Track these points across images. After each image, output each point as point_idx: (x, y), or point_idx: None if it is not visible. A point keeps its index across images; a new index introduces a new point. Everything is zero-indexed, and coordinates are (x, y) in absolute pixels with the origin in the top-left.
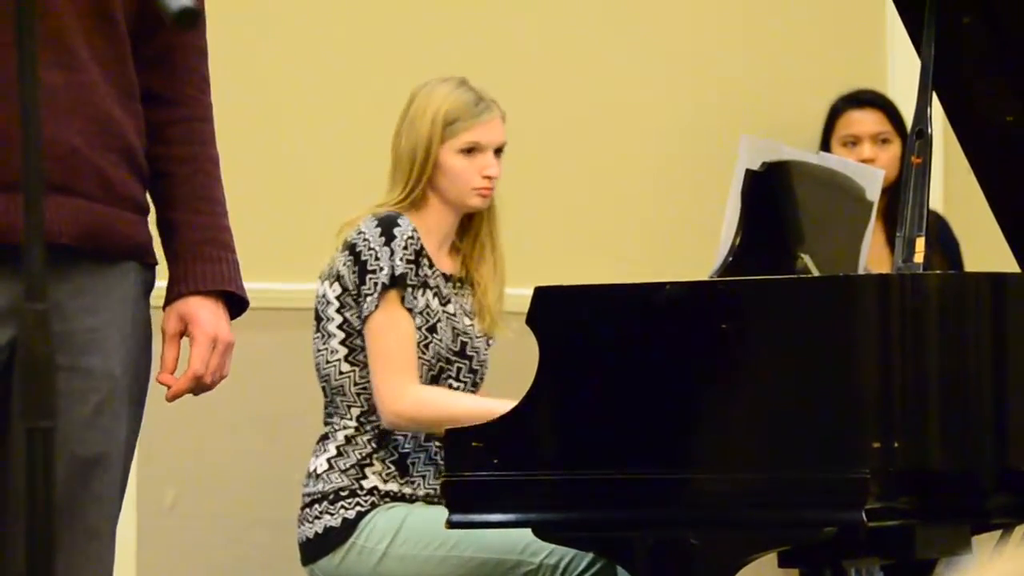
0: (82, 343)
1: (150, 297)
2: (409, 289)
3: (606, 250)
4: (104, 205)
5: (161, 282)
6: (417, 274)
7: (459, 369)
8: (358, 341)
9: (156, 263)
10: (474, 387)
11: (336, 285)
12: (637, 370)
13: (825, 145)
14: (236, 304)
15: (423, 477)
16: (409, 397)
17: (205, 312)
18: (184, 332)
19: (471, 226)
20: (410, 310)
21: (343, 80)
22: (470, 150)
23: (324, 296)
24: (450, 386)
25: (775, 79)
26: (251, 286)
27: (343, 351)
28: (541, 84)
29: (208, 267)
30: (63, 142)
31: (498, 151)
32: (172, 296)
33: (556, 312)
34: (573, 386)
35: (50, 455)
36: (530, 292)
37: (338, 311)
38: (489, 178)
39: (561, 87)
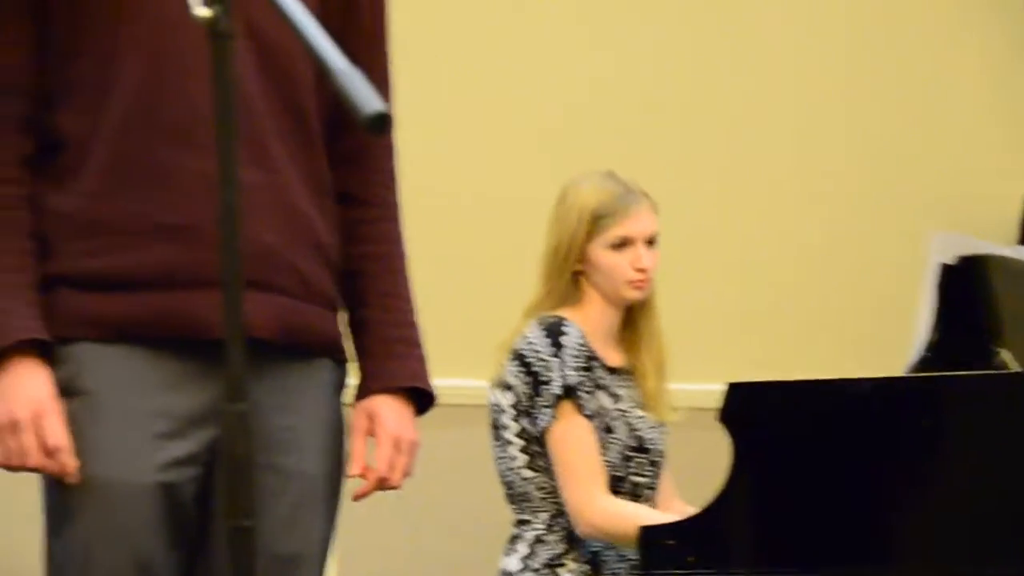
0: (279, 442)
1: (342, 395)
2: (583, 396)
3: (771, 341)
4: (299, 301)
5: (352, 379)
6: (589, 380)
7: (640, 464)
8: (537, 448)
9: (347, 360)
10: (655, 479)
11: (509, 394)
12: (835, 467)
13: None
14: (424, 399)
15: (615, 575)
16: (600, 509)
17: (391, 411)
18: (371, 430)
19: (631, 317)
20: (586, 416)
21: (503, 183)
22: (620, 244)
23: (498, 405)
24: (635, 483)
25: (964, 170)
26: (442, 382)
27: (524, 458)
28: (704, 173)
29: (395, 364)
30: (260, 240)
31: (651, 241)
32: (361, 393)
33: (750, 409)
34: (769, 483)
35: (251, 554)
36: (700, 387)
37: (514, 419)
38: (642, 270)
39: (725, 174)
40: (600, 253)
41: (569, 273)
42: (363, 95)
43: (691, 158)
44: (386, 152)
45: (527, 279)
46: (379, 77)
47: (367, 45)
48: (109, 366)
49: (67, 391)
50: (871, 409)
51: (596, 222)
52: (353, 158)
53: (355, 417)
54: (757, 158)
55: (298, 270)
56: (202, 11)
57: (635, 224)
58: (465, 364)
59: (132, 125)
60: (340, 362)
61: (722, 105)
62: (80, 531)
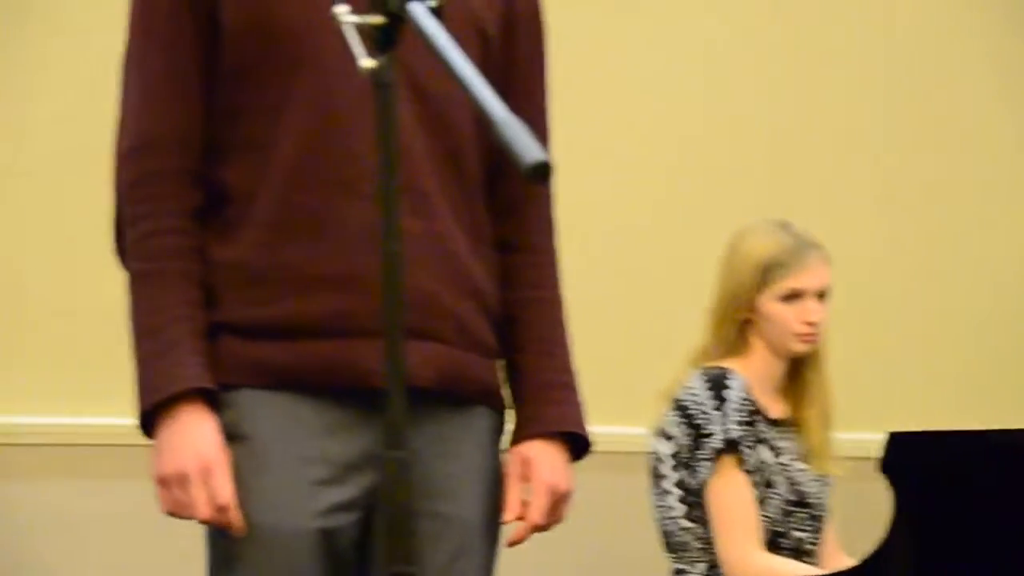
0: (439, 489)
1: (500, 442)
2: (745, 451)
3: (935, 389)
4: (459, 349)
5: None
6: (751, 434)
7: (801, 518)
8: (696, 499)
9: (505, 407)
10: (817, 532)
11: (670, 444)
12: (1000, 520)
13: None
14: (581, 444)
15: None
16: (754, 565)
17: (546, 457)
18: (525, 476)
19: (797, 368)
20: (747, 471)
21: (662, 229)
22: (791, 296)
23: (657, 453)
24: (797, 538)
25: None
26: (596, 429)
27: (682, 508)
28: (863, 219)
29: (551, 409)
30: (420, 288)
31: (822, 294)
32: (516, 438)
33: (914, 459)
34: (933, 537)
35: None
36: (863, 436)
37: (673, 469)
38: (812, 324)
39: (887, 220)
40: (770, 305)
41: (737, 322)
42: (524, 144)
43: (850, 203)
44: (544, 199)
45: (686, 325)
46: (539, 126)
47: (527, 95)
48: (270, 413)
49: (230, 436)
50: None
51: (767, 273)
52: (512, 206)
53: (510, 463)
54: (921, 201)
55: (457, 318)
56: (367, 62)
57: (807, 277)
58: (623, 410)
59: (297, 177)
60: (498, 409)
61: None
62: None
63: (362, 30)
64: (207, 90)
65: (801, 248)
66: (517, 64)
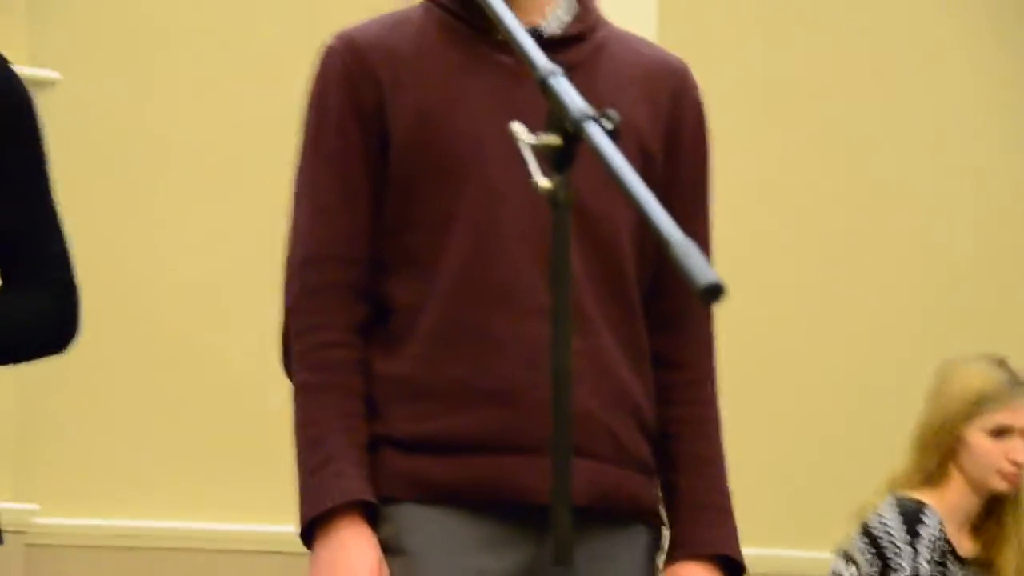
0: None
1: (654, 553)
2: None
3: None
4: (616, 467)
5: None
6: (940, 573)
7: None
8: None
9: (663, 524)
10: None
11: (852, 567)
12: None
13: None
14: (734, 567)
15: None
16: None
17: None
18: None
19: (994, 508)
20: None
21: (836, 349)
22: (999, 432)
23: (838, 574)
24: None
25: None
26: (751, 551)
27: None
28: None
29: (705, 531)
30: (580, 405)
31: None
32: (670, 558)
33: None
34: None
35: None
36: None
37: None
38: (1016, 463)
39: None
40: (977, 437)
41: (940, 451)
42: (698, 267)
43: None
44: (705, 318)
45: (849, 449)
46: (703, 240)
47: (689, 215)
48: (429, 527)
49: (390, 549)
50: None
51: (979, 405)
52: (670, 323)
53: None
54: None
55: (615, 435)
56: (543, 182)
57: (1019, 416)
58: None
59: (459, 293)
60: (655, 527)
61: None
62: None
63: (538, 150)
64: (375, 204)
65: (1017, 386)
66: (681, 182)
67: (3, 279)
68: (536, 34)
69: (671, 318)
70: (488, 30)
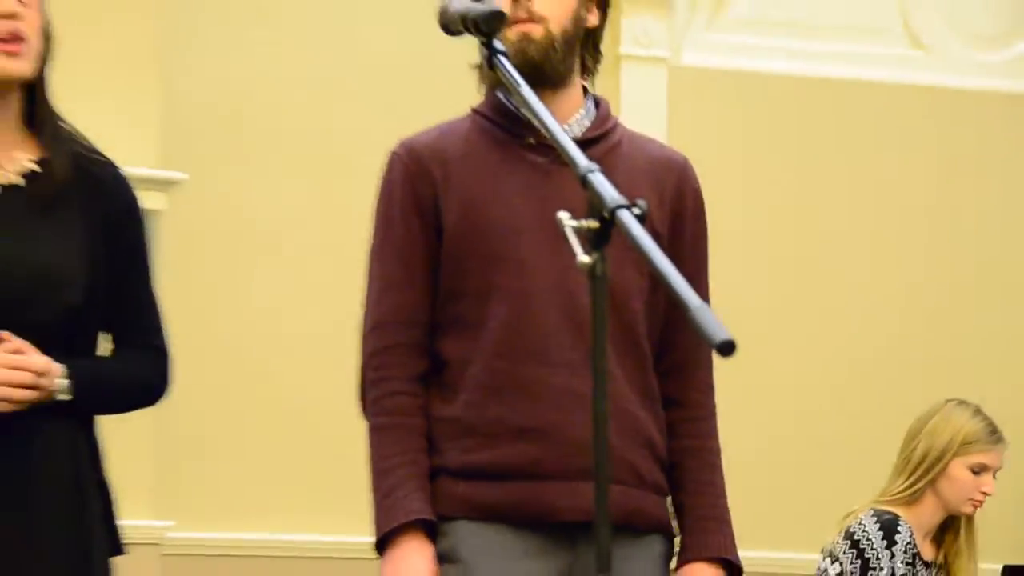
0: None
1: (669, 560)
2: None
3: None
4: (636, 490)
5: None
6: (911, 573)
7: None
8: None
9: (675, 535)
10: None
11: (836, 565)
12: None
13: None
14: (733, 569)
15: None
16: None
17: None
18: None
19: (954, 524)
20: None
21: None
22: (978, 469)
23: (825, 572)
24: None
25: None
26: (749, 554)
27: None
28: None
29: (709, 539)
30: (610, 443)
31: (996, 473)
32: (681, 561)
33: None
34: None
35: None
36: (984, 566)
37: None
38: (985, 495)
39: None
40: (960, 471)
41: (932, 480)
42: (714, 326)
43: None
44: (706, 365)
45: (832, 467)
46: (703, 293)
47: (695, 276)
48: (480, 540)
49: (447, 559)
50: None
51: (967, 445)
52: (677, 370)
53: None
54: None
55: (634, 465)
56: (584, 258)
57: (995, 458)
58: (776, 536)
59: (500, 349)
60: (669, 537)
61: None
62: None
63: (579, 232)
64: (433, 277)
65: (996, 434)
66: (685, 254)
67: (115, 344)
68: None
69: (678, 367)
70: (521, 135)
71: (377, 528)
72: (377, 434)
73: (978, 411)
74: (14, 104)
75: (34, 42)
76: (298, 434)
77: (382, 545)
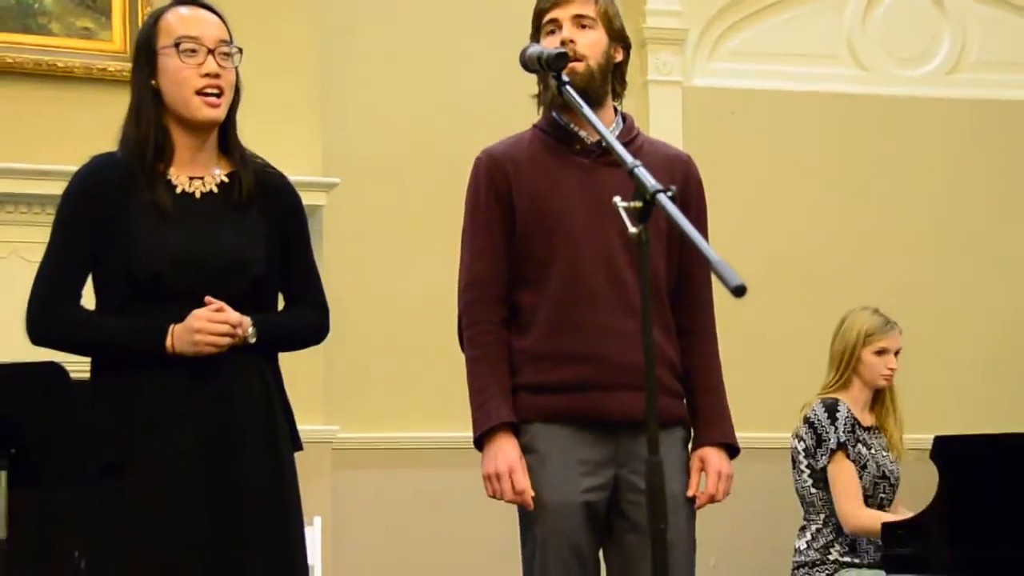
0: None
1: (687, 445)
2: (849, 448)
3: (977, 399)
4: (663, 396)
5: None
6: (853, 438)
7: (883, 487)
8: (819, 476)
9: (690, 427)
10: (893, 496)
11: (801, 443)
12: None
13: None
14: (733, 449)
15: (867, 552)
16: (859, 519)
17: (714, 456)
18: (702, 468)
19: (880, 396)
20: (851, 460)
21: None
22: (881, 352)
23: (795, 449)
24: (881, 499)
25: None
26: (744, 435)
27: (811, 481)
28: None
29: (715, 430)
30: (638, 361)
31: (896, 353)
32: (696, 446)
33: (953, 454)
34: (966, 506)
35: (665, 547)
36: (921, 436)
37: (804, 457)
38: (891, 370)
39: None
40: (869, 356)
41: (848, 367)
42: (730, 274)
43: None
44: (708, 303)
45: (821, 354)
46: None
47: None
48: (549, 435)
49: (527, 450)
50: None
51: (869, 336)
52: (688, 308)
53: (692, 460)
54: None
55: (659, 378)
56: (633, 229)
57: (892, 342)
58: (769, 419)
59: (559, 298)
60: (687, 428)
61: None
62: (539, 530)
63: (628, 211)
64: (509, 247)
65: (889, 323)
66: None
67: (287, 302)
68: (597, 142)
69: (688, 305)
70: (570, 143)
71: (475, 428)
72: (473, 362)
73: (876, 311)
74: (212, 136)
75: (229, 94)
76: (426, 360)
77: (480, 442)
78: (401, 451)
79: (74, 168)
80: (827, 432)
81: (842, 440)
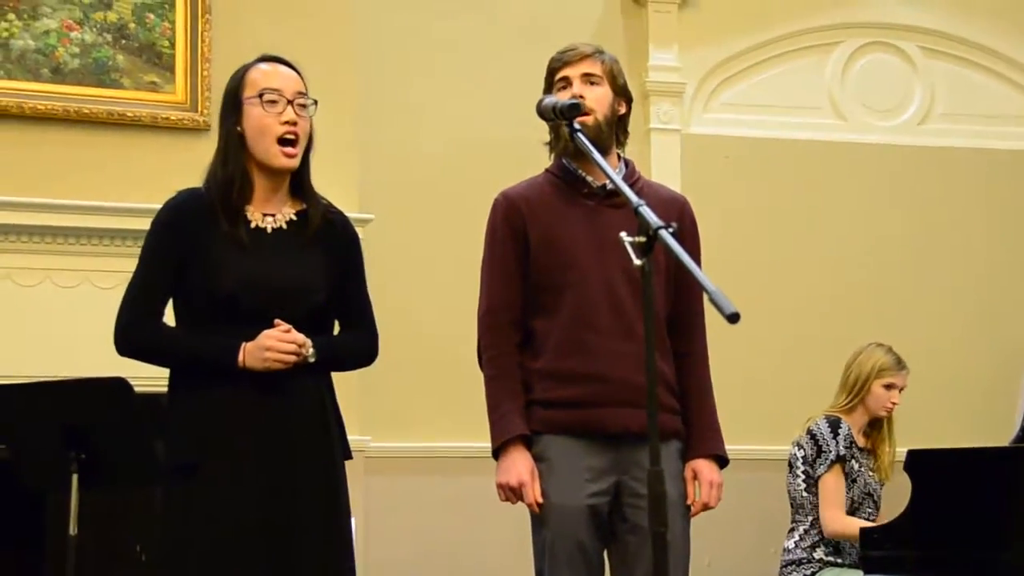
0: None
1: (682, 455)
2: (845, 463)
3: (945, 417)
4: (662, 412)
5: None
6: (850, 454)
7: (868, 504)
8: (812, 482)
9: (685, 440)
10: (877, 511)
11: (801, 451)
12: (975, 499)
13: None
14: (722, 461)
15: (850, 554)
16: (840, 523)
17: (706, 467)
18: (695, 478)
19: (877, 424)
20: (845, 474)
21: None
22: (889, 387)
23: (794, 455)
24: (868, 515)
25: None
26: (736, 447)
27: (804, 485)
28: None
29: (706, 443)
30: (639, 381)
31: (901, 390)
32: (688, 458)
33: (924, 466)
34: (935, 512)
35: (666, 548)
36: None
37: (802, 464)
38: (894, 404)
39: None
40: (878, 388)
41: (860, 396)
42: (725, 302)
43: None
44: (700, 326)
45: (808, 377)
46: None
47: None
48: (558, 446)
49: (538, 459)
50: (1000, 468)
51: (881, 371)
52: (682, 332)
53: (686, 470)
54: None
55: (658, 397)
56: (638, 261)
57: (901, 380)
58: (762, 433)
59: (568, 324)
60: (682, 441)
61: None
62: (547, 530)
63: (633, 245)
64: (523, 278)
65: (900, 363)
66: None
67: (342, 327)
68: (602, 186)
69: (683, 330)
70: (578, 186)
71: (493, 440)
72: (491, 381)
73: (890, 349)
74: (286, 178)
75: (303, 142)
76: (450, 376)
77: (497, 452)
78: (428, 459)
79: (142, 205)
80: (828, 444)
81: (841, 453)
